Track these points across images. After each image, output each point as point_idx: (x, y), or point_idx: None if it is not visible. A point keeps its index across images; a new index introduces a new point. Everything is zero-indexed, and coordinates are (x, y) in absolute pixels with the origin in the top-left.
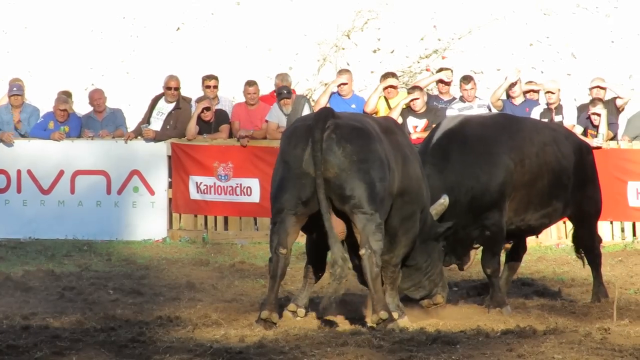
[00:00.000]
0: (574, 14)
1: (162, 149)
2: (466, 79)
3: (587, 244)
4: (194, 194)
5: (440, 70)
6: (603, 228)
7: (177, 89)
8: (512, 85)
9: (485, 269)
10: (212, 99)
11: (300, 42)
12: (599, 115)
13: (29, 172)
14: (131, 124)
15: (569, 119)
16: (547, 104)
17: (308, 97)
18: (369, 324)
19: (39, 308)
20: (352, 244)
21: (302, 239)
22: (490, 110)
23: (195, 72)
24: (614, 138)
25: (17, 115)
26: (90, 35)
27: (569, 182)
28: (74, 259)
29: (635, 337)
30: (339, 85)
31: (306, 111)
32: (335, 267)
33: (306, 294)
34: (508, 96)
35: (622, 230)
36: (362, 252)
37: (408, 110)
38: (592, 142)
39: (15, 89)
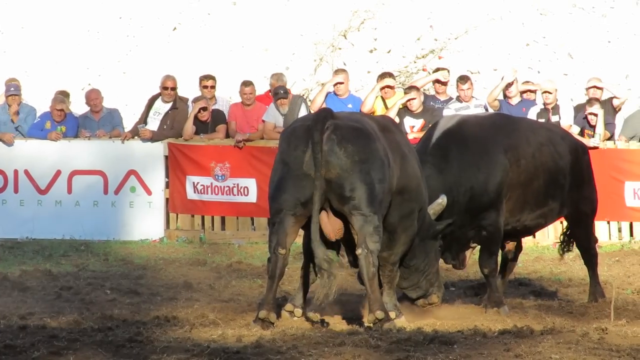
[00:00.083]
0: (571, 14)
1: (159, 149)
2: (463, 79)
3: (583, 244)
4: (191, 194)
5: (437, 70)
6: (600, 228)
7: (174, 88)
8: (509, 85)
9: (483, 268)
10: (209, 99)
11: (297, 42)
12: (595, 115)
13: (26, 172)
14: (128, 124)
15: (566, 119)
16: (544, 104)
17: (305, 97)
18: (365, 324)
19: (36, 308)
20: (349, 242)
21: (299, 239)
22: (487, 110)
23: (192, 72)
24: (610, 138)
25: (15, 107)
26: (87, 35)
27: (565, 182)
28: (71, 259)
29: (632, 337)
30: (335, 85)
31: (303, 111)
32: (322, 272)
33: (303, 294)
34: (505, 96)
35: (619, 230)
36: (358, 251)
37: (405, 110)
38: (589, 142)
39: (12, 89)
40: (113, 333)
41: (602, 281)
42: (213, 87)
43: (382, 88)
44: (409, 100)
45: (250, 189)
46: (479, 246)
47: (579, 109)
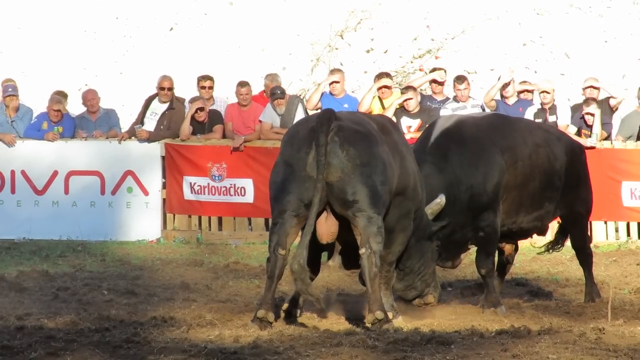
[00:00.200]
0: (568, 13)
1: (156, 149)
2: (460, 79)
3: (578, 244)
4: (187, 195)
5: (434, 70)
6: (597, 228)
7: (171, 89)
8: (506, 85)
9: (480, 269)
10: (207, 100)
11: (294, 42)
12: (592, 115)
13: (23, 172)
14: (125, 125)
15: (563, 119)
16: (542, 103)
17: (302, 97)
18: (365, 324)
19: (33, 308)
20: (350, 243)
21: (296, 240)
22: (483, 110)
23: (189, 73)
24: (607, 138)
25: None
26: (84, 36)
27: (561, 183)
28: (68, 260)
29: (629, 337)
30: (330, 84)
31: (300, 111)
32: (292, 273)
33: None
34: (502, 96)
35: (616, 230)
36: (362, 251)
37: (402, 111)
38: (586, 142)
39: (9, 89)
40: (110, 334)
41: (599, 281)
42: (211, 87)
43: (379, 88)
44: (405, 100)
45: (247, 190)
46: (476, 247)
47: (576, 109)
